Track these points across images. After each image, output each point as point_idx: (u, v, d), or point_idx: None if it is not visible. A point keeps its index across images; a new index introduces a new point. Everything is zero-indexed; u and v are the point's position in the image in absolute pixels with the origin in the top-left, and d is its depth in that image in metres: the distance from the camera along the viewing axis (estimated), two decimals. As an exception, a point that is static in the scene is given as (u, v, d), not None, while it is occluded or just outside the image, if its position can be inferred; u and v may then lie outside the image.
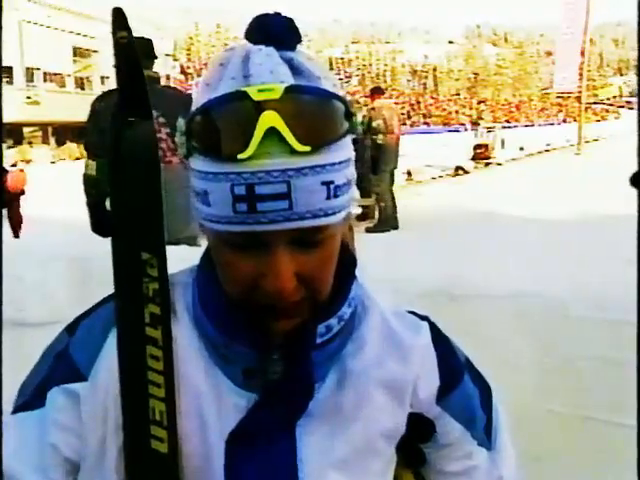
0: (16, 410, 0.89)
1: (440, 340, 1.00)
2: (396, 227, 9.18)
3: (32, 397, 0.89)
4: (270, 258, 0.77)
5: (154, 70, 4.52)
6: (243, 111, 0.74)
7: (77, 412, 0.86)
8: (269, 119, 0.73)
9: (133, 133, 0.82)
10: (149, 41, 4.66)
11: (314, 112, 0.77)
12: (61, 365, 0.89)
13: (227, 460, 0.87)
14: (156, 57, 4.77)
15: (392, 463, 1.00)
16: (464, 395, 1.01)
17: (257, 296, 0.80)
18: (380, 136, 9.16)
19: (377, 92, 9.96)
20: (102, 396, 0.86)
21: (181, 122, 0.80)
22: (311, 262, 0.80)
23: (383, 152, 9.26)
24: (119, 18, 0.79)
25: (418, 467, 1.06)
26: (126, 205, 0.83)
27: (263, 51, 0.79)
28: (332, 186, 0.77)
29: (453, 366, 1.01)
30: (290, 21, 0.82)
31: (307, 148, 0.74)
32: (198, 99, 0.80)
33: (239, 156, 0.73)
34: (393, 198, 9.57)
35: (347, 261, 0.91)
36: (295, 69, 0.78)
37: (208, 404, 0.87)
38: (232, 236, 0.77)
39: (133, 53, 0.81)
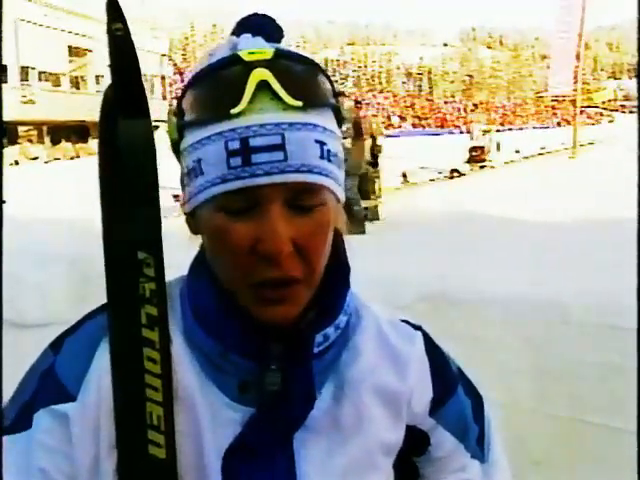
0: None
1: (433, 351, 0.99)
2: (363, 232, 9.09)
3: (17, 419, 0.83)
4: (266, 220, 0.76)
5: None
6: (234, 71, 0.77)
7: (66, 434, 0.82)
8: (260, 74, 0.75)
9: (129, 131, 0.79)
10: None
11: (304, 73, 0.79)
12: (47, 385, 0.85)
13: (224, 477, 0.84)
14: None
15: (391, 478, 0.98)
16: (457, 407, 1.00)
17: (254, 270, 0.78)
18: (348, 140, 9.20)
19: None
20: (93, 415, 0.83)
21: (170, 113, 0.82)
22: (306, 228, 0.78)
23: (348, 156, 9.23)
24: (114, 9, 0.76)
25: None
26: (122, 204, 0.80)
27: (250, 39, 0.82)
28: (325, 147, 0.78)
29: (447, 377, 1.00)
30: (272, 19, 0.85)
31: (299, 103, 0.76)
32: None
33: (232, 111, 0.75)
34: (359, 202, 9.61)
35: (341, 268, 0.89)
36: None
37: (203, 420, 0.85)
38: (227, 198, 0.77)
39: (129, 46, 0.77)
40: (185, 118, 0.80)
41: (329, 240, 0.83)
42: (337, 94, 0.82)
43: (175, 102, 0.85)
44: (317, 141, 0.78)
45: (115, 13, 0.76)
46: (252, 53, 0.77)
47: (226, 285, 0.83)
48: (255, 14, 0.86)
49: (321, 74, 0.81)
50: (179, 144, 0.82)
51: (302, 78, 0.78)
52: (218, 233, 0.79)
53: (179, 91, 0.88)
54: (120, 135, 0.79)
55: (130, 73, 0.78)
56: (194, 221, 0.85)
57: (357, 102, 11.72)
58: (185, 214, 0.87)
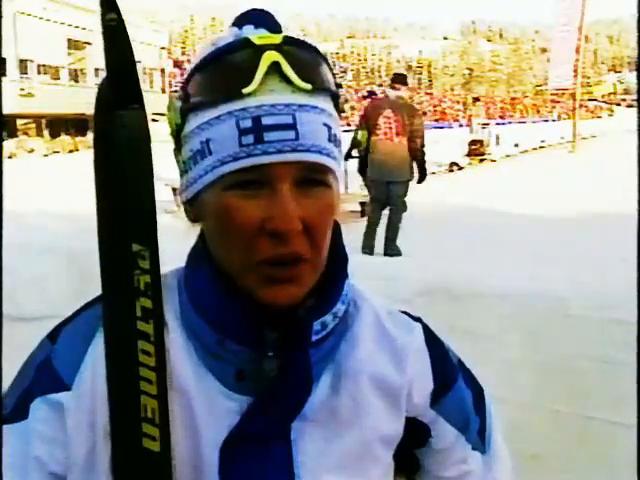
0: None
1: (433, 342, 0.98)
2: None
3: (14, 409, 0.84)
4: (276, 198, 0.76)
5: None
6: (245, 53, 0.77)
7: (62, 423, 0.82)
8: (271, 56, 0.77)
9: (124, 122, 0.78)
10: (404, 75, 8.38)
11: (311, 59, 0.81)
12: (43, 375, 0.85)
13: (221, 467, 0.84)
14: (406, 84, 8.18)
15: (391, 470, 0.97)
16: (458, 398, 0.99)
17: (262, 248, 0.78)
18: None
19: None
20: (88, 404, 0.82)
21: (173, 98, 0.83)
22: (313, 208, 0.79)
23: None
24: None
25: (412, 474, 1.04)
26: (116, 195, 0.79)
27: (253, 29, 0.82)
28: (332, 131, 0.80)
29: (447, 369, 0.99)
30: (270, 13, 0.86)
31: (308, 86, 0.77)
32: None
33: (244, 90, 0.76)
34: None
35: (339, 257, 0.89)
36: None
37: (199, 410, 0.85)
38: (236, 177, 0.77)
39: (124, 37, 0.76)
40: (190, 101, 0.80)
41: (331, 222, 0.83)
42: (338, 85, 0.84)
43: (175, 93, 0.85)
44: (324, 124, 0.79)
45: (109, 3, 0.74)
46: (262, 37, 0.78)
47: (229, 268, 0.82)
48: (254, 9, 0.87)
49: (324, 62, 0.82)
50: (181, 130, 0.82)
51: (309, 63, 0.80)
52: (226, 212, 0.79)
53: (179, 84, 0.88)
54: (115, 126, 0.78)
55: (125, 64, 0.77)
56: (194, 208, 0.85)
57: (371, 93, 11.48)
58: (183, 202, 0.86)
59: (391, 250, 7.50)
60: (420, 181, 7.87)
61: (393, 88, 7.69)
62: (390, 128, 7.39)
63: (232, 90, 0.76)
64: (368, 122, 7.64)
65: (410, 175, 7.63)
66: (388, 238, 7.59)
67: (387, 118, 7.39)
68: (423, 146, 7.65)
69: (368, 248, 7.52)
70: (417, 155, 7.58)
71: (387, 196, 7.62)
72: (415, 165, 7.67)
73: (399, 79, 7.89)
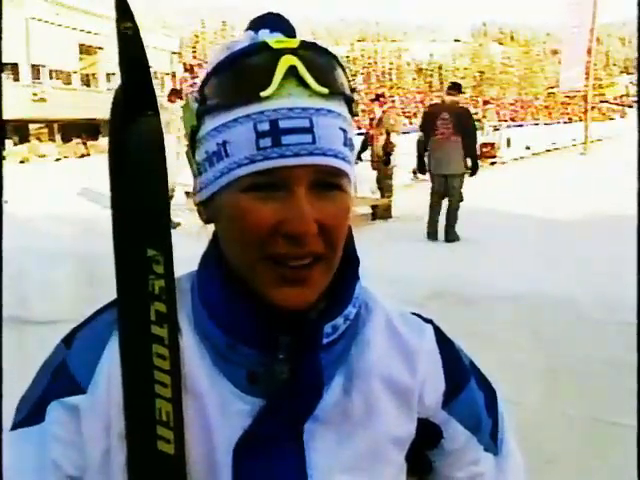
0: (15, 427, 0.86)
1: (445, 343, 0.99)
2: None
3: (31, 413, 0.86)
4: (292, 201, 0.77)
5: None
6: (263, 57, 0.79)
7: (77, 426, 0.84)
8: (289, 60, 0.78)
9: (139, 129, 0.80)
10: (459, 84, 9.59)
11: (327, 63, 0.82)
12: (59, 379, 0.86)
13: (234, 468, 0.85)
14: (461, 92, 9.22)
15: (403, 471, 0.98)
16: (470, 399, 1.00)
17: (276, 247, 0.79)
18: None
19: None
20: (103, 407, 0.84)
21: (189, 100, 0.84)
22: (329, 210, 0.80)
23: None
24: (123, 8, 0.77)
25: (424, 475, 1.04)
26: (131, 201, 0.81)
27: (269, 33, 0.84)
28: (347, 135, 0.82)
29: (459, 370, 1.00)
30: (285, 18, 0.88)
31: (325, 90, 0.79)
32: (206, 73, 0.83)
33: (262, 94, 0.77)
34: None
35: (350, 260, 0.90)
36: None
37: (212, 412, 0.85)
38: (252, 179, 0.78)
39: (139, 45, 0.78)
40: (207, 103, 0.81)
41: (346, 225, 0.84)
42: (352, 89, 0.85)
43: (186, 96, 0.86)
44: (340, 128, 0.80)
45: (124, 12, 0.76)
46: (279, 41, 0.80)
47: (242, 269, 0.83)
48: (270, 13, 0.88)
49: (339, 67, 0.83)
50: (196, 132, 0.83)
51: (325, 68, 0.81)
52: (241, 213, 0.79)
53: (190, 88, 0.89)
54: (129, 133, 0.79)
55: (140, 72, 0.79)
56: (207, 209, 0.86)
57: (379, 95, 12.38)
58: (197, 204, 0.87)
59: (451, 236, 8.49)
60: (473, 174, 8.87)
61: (450, 95, 8.98)
62: (447, 128, 8.53)
63: (250, 93, 0.77)
64: (426, 125, 8.86)
65: (465, 169, 8.70)
66: (448, 225, 8.57)
67: (444, 120, 8.58)
68: (475, 144, 8.92)
69: (432, 235, 8.58)
70: (470, 152, 8.68)
71: (445, 188, 8.66)
72: (469, 160, 8.74)
73: (454, 87, 9.23)
